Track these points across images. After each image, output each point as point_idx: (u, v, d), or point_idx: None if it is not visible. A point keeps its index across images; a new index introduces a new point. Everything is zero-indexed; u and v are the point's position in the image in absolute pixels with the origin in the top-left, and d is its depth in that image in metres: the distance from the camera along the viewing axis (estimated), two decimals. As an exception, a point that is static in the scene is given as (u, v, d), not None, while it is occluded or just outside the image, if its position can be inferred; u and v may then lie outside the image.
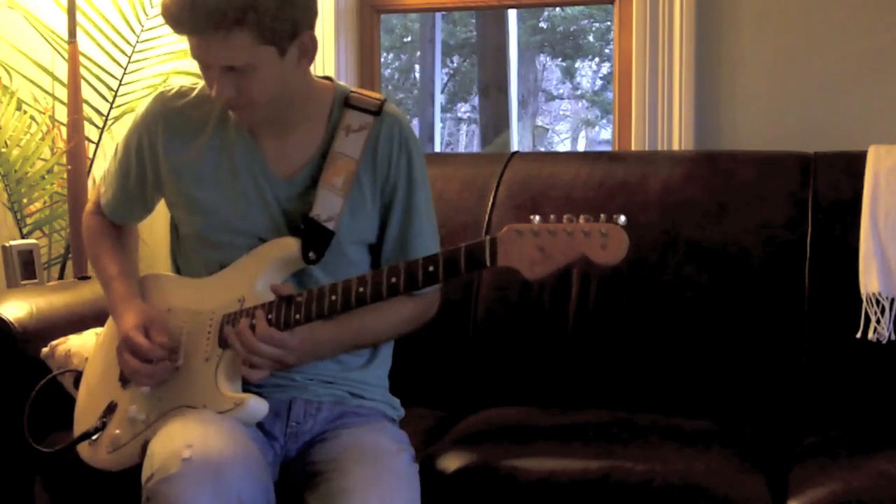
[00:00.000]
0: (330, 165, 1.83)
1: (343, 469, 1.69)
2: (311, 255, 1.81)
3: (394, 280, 1.69)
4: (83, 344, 2.17)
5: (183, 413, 1.76)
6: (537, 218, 1.61)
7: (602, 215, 1.59)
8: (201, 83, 1.91)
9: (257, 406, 1.75)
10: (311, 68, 1.87)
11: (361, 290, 1.71)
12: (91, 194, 2.14)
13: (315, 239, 1.81)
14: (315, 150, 1.86)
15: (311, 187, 1.84)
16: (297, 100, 1.83)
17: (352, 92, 1.90)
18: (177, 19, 1.69)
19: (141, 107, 1.96)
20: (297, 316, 1.74)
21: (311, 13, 1.76)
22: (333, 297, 1.72)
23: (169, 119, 1.90)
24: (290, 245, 1.82)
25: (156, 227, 2.68)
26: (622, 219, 1.57)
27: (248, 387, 1.80)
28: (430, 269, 1.67)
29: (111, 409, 1.90)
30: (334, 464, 1.71)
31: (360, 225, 1.87)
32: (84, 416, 1.97)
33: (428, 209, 1.92)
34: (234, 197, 1.86)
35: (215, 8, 1.65)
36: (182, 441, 1.62)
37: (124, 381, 1.90)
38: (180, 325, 1.86)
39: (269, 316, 1.75)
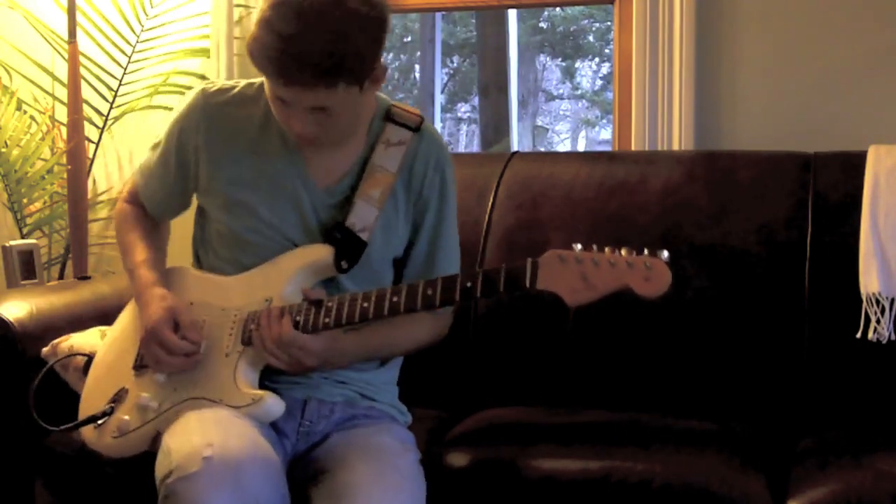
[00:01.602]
0: (368, 177, 1.85)
1: (348, 466, 1.70)
2: (344, 264, 1.82)
3: (430, 292, 1.70)
4: (86, 341, 2.17)
5: (198, 407, 1.76)
6: (579, 246, 1.63)
7: (646, 249, 1.60)
8: (243, 82, 1.92)
9: (274, 404, 1.75)
10: None
11: (395, 299, 1.72)
12: (124, 187, 2.12)
13: (348, 248, 1.82)
14: (355, 161, 1.88)
15: (349, 198, 1.85)
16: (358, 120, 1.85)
17: (392, 105, 1.92)
18: (279, 70, 1.66)
19: (183, 100, 1.95)
20: (327, 320, 1.75)
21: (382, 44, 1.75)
22: (366, 305, 1.74)
23: (211, 116, 1.90)
24: (324, 252, 1.83)
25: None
26: (665, 254, 1.60)
27: (263, 384, 1.81)
28: (468, 284, 1.68)
29: (121, 394, 1.89)
30: (340, 461, 1.72)
31: (391, 239, 1.88)
32: (91, 399, 1.96)
33: (454, 229, 1.95)
34: (272, 201, 1.86)
35: (329, 67, 1.63)
36: (202, 439, 1.61)
37: (138, 368, 1.90)
38: (202, 319, 1.86)
39: (297, 318, 1.76)
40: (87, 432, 1.91)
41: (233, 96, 1.91)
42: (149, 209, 2.03)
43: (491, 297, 1.68)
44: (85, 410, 1.96)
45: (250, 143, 1.88)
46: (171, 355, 1.81)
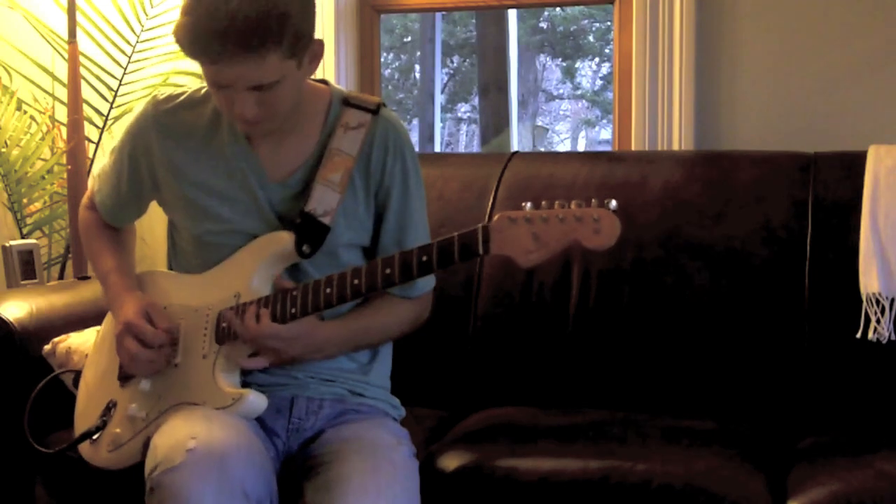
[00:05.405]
0: (327, 161, 1.83)
1: (341, 459, 1.70)
2: (306, 248, 1.80)
3: (388, 271, 1.69)
4: (84, 341, 2.17)
5: (184, 409, 1.77)
6: (529, 204, 1.62)
7: (594, 200, 1.59)
8: (192, 87, 1.93)
9: (256, 400, 1.75)
10: None
11: (356, 281, 1.71)
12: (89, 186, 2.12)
13: (310, 233, 1.81)
14: (311, 150, 1.86)
15: (306, 189, 1.83)
16: (299, 105, 1.83)
17: (350, 93, 1.91)
18: (205, 48, 1.65)
19: (134, 111, 1.97)
20: (293, 309, 1.74)
21: (315, 18, 1.77)
22: (328, 290, 1.73)
23: (161, 122, 1.90)
24: (283, 239, 1.81)
25: (155, 227, 2.68)
26: (613, 203, 1.58)
27: (247, 382, 1.81)
28: (424, 258, 1.67)
29: (111, 407, 1.91)
30: (333, 454, 1.72)
31: (353, 226, 1.87)
32: (84, 415, 1.98)
33: (422, 215, 1.93)
34: (228, 200, 1.86)
35: (252, 32, 1.61)
36: (186, 433, 1.63)
37: (123, 378, 1.91)
38: (177, 322, 1.86)
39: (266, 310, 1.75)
40: (84, 448, 1.93)
41: (182, 101, 1.90)
42: (102, 214, 2.03)
43: (449, 266, 1.67)
44: (79, 426, 1.97)
45: (201, 143, 1.87)
46: (147, 348, 1.81)
